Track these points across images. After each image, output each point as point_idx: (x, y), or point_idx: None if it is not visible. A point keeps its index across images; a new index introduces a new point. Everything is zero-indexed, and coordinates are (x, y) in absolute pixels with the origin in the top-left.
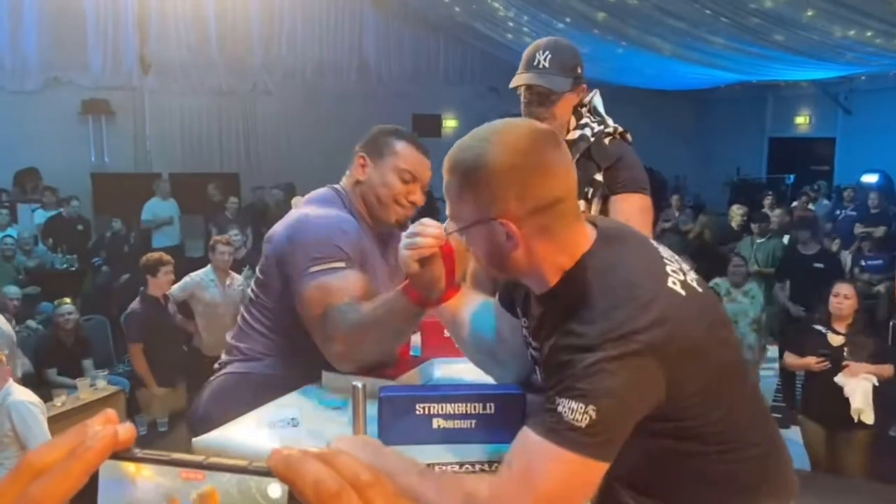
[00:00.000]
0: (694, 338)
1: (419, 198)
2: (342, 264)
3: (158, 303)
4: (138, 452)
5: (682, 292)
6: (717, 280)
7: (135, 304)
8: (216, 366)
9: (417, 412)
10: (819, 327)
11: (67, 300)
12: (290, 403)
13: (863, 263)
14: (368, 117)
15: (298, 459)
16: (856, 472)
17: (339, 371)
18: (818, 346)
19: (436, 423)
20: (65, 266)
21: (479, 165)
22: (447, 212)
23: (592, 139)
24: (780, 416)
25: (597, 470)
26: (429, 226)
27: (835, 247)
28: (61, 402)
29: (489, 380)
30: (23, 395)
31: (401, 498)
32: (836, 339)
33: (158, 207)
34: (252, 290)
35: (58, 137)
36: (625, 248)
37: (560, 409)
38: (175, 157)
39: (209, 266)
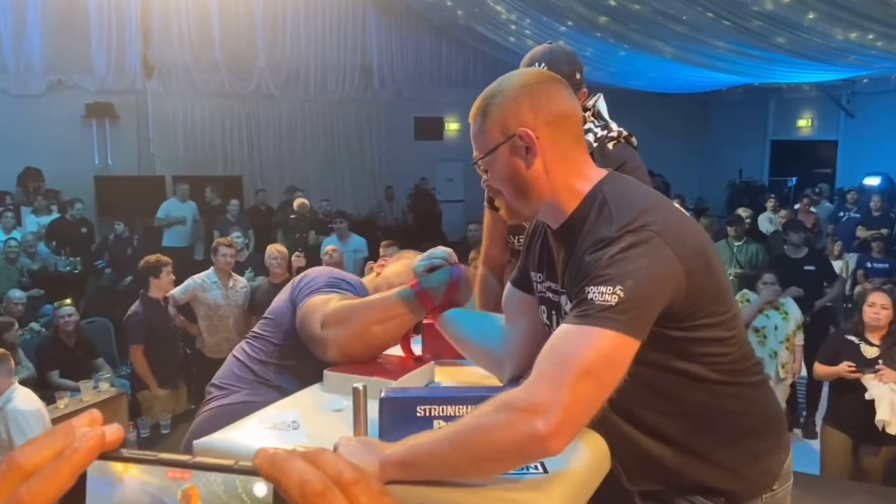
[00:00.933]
0: (700, 241)
1: None
2: (350, 294)
3: (159, 304)
4: (125, 452)
5: (686, 213)
6: (748, 292)
7: (135, 306)
8: (201, 406)
9: (418, 414)
10: (852, 338)
11: (68, 301)
12: (291, 406)
13: (868, 266)
14: (371, 120)
15: (283, 458)
16: (878, 481)
17: (333, 365)
18: (851, 357)
19: (436, 424)
20: (68, 269)
21: (495, 94)
22: (474, 155)
23: (595, 145)
24: None
25: (630, 347)
26: (442, 249)
27: (837, 249)
28: (64, 404)
29: (490, 381)
30: (23, 403)
31: (385, 496)
32: (870, 351)
33: (174, 209)
34: (253, 331)
35: (62, 141)
36: (636, 182)
37: (590, 295)
38: (178, 159)
39: (211, 268)
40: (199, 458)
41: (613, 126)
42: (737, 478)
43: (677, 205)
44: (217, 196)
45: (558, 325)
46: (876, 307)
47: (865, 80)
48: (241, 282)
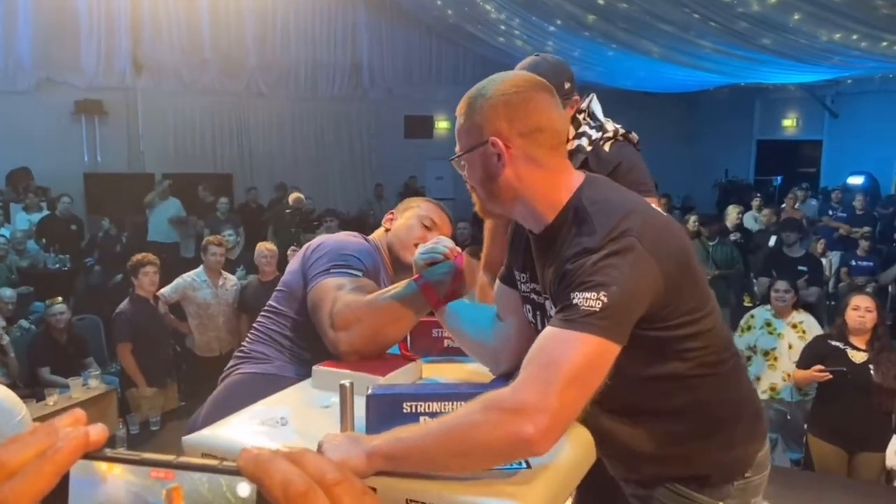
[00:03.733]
0: (679, 241)
1: None
2: (359, 273)
3: (147, 303)
4: (109, 452)
5: (664, 214)
6: (753, 311)
7: (124, 304)
8: (225, 370)
9: (404, 410)
10: (837, 343)
11: (59, 300)
12: (280, 402)
13: (853, 264)
14: (361, 118)
15: (267, 459)
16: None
17: (338, 359)
18: (840, 364)
19: (423, 421)
20: (57, 266)
21: (478, 96)
22: (456, 149)
23: (589, 149)
24: None
25: (613, 351)
26: (443, 240)
27: (820, 247)
28: (53, 401)
29: (476, 378)
30: None
31: (367, 495)
32: (858, 356)
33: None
34: (270, 305)
35: (51, 138)
36: (612, 184)
37: (575, 301)
38: (168, 157)
39: (201, 267)
40: (182, 458)
41: (609, 126)
42: (711, 464)
43: (655, 205)
44: (210, 194)
45: (543, 325)
46: (860, 310)
47: (849, 81)
48: (230, 280)
